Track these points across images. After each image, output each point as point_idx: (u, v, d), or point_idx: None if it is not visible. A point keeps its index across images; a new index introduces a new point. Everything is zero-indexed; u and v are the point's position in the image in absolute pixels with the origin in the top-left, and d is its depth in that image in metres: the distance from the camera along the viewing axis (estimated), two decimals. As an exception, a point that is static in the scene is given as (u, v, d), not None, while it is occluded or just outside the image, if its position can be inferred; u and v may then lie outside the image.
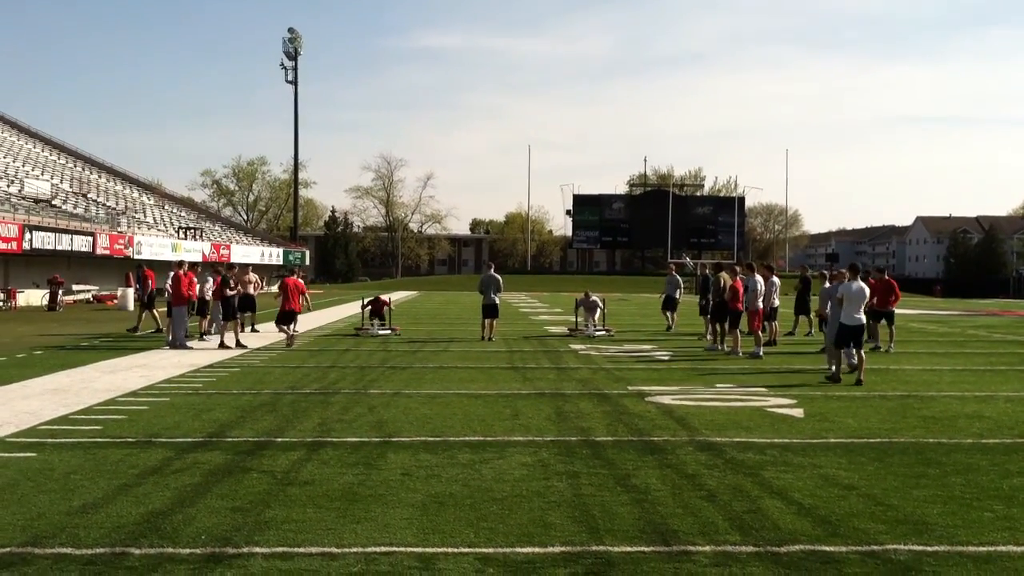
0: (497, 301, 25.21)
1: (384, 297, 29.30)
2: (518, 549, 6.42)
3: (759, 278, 21.38)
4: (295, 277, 24.07)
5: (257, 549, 6.34)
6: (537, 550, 6.40)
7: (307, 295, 24.59)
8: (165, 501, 7.61)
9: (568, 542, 6.58)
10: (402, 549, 6.38)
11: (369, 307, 27.53)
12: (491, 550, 6.39)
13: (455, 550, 6.38)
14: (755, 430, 11.25)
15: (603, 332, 26.80)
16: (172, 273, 22.55)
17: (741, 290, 21.19)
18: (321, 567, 5.99)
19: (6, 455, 9.38)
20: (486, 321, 24.85)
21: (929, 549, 6.48)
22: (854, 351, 16.11)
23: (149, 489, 8.02)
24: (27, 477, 8.44)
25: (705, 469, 9.04)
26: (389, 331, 26.54)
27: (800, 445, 10.32)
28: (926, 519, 7.27)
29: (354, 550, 6.34)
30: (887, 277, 23.79)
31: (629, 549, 6.44)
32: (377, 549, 6.37)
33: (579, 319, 27.86)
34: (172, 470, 8.78)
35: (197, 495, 7.82)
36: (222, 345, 21.52)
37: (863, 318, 16.15)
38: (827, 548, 6.49)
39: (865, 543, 6.61)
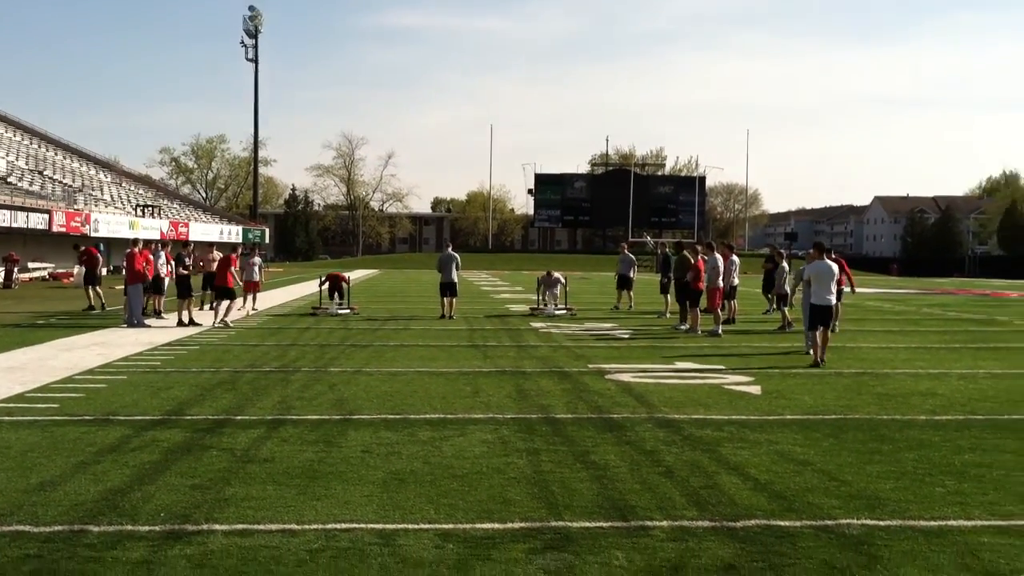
0: (456, 279, 25.15)
1: (342, 274, 28.31)
2: (478, 525, 6.47)
3: (719, 257, 21.51)
4: (235, 254, 23.27)
5: (217, 526, 6.34)
6: (497, 526, 6.45)
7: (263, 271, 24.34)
8: (124, 479, 7.58)
9: (527, 518, 6.64)
10: (362, 526, 6.41)
11: (327, 284, 26.82)
12: (451, 526, 6.43)
13: (415, 526, 6.42)
14: (713, 407, 11.37)
15: (564, 311, 26.57)
16: (127, 251, 22.35)
17: (703, 269, 21.32)
18: (281, 543, 6.01)
19: (-38, 433, 9.29)
20: (445, 300, 24.85)
21: (881, 524, 6.60)
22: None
23: (107, 467, 7.99)
24: (-17, 455, 8.37)
25: (663, 445, 9.13)
26: (348, 310, 25.88)
27: (757, 422, 10.44)
28: (879, 494, 7.39)
29: (314, 527, 6.37)
30: (834, 256, 23.68)
31: (588, 524, 6.51)
32: (337, 526, 6.39)
33: (541, 297, 27.66)
34: (130, 448, 8.74)
35: (156, 473, 7.79)
36: (180, 323, 21.36)
37: (833, 298, 15.90)
38: (782, 523, 6.59)
39: (819, 518, 6.72)
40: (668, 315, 25.03)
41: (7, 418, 10.12)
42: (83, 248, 29.25)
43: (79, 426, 9.76)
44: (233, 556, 5.75)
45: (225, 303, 21.31)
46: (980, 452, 9.00)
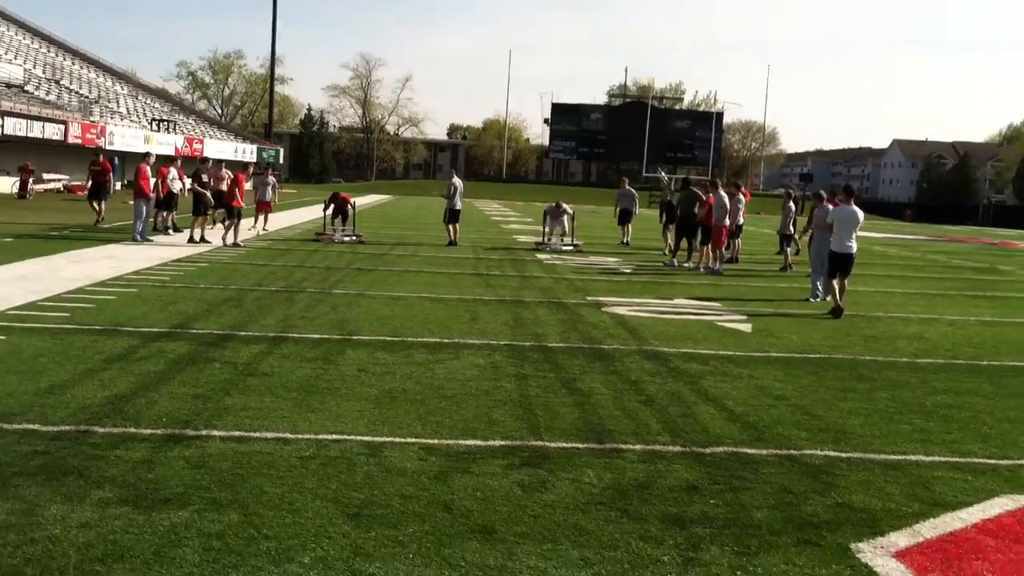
0: (459, 207, 25.69)
1: (348, 196, 27.03)
2: (461, 441, 6.85)
3: (724, 195, 21.69)
4: (243, 173, 23.41)
5: (215, 432, 6.73)
6: (479, 443, 6.83)
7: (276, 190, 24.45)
8: (129, 386, 7.97)
9: (508, 437, 7.01)
10: (352, 437, 6.79)
11: (331, 207, 25.86)
12: (435, 441, 6.81)
13: (401, 440, 6.80)
14: (702, 342, 11.71)
15: (571, 246, 25.81)
16: (138, 166, 22.59)
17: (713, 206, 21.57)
18: (275, 450, 6.40)
19: (-24, 337, 9.69)
20: (451, 226, 25.39)
21: (843, 455, 6.96)
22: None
23: (114, 374, 8.38)
24: (-4, 358, 8.77)
25: (648, 376, 9.49)
26: (353, 237, 24.86)
27: (743, 358, 10.79)
28: (847, 429, 7.75)
29: (307, 436, 6.75)
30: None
31: (565, 445, 6.89)
32: (328, 436, 6.78)
33: (546, 230, 26.71)
34: (136, 357, 9.13)
35: (160, 381, 8.18)
36: (191, 240, 21.69)
37: (854, 245, 15.16)
38: (749, 451, 6.95)
39: (785, 447, 7.09)
40: (667, 252, 25.03)
41: (19, 324, 10.50)
42: (93, 158, 28.64)
43: (88, 335, 10.15)
44: (228, 459, 6.14)
45: (234, 222, 21.55)
46: (953, 394, 9.34)
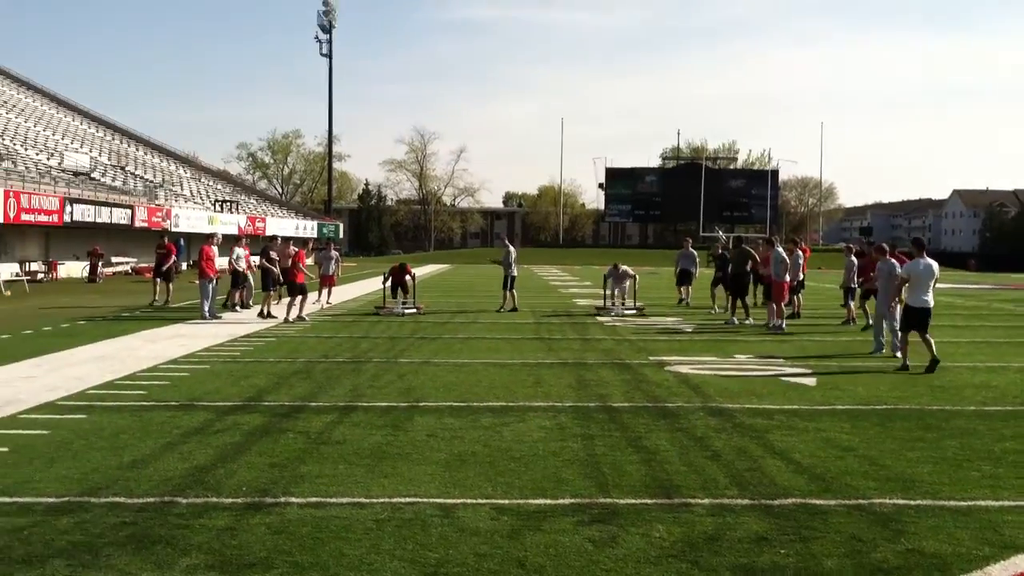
0: (515, 272, 26.13)
1: (407, 266, 26.38)
2: (531, 501, 6.99)
3: (782, 251, 21.71)
4: (303, 250, 23.83)
5: (293, 499, 6.95)
6: (549, 501, 6.97)
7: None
8: (208, 458, 8.23)
9: (578, 495, 7.15)
10: (425, 500, 6.97)
11: (390, 279, 25.35)
12: (506, 501, 6.96)
13: (473, 501, 6.96)
14: (767, 397, 11.76)
15: (634, 310, 25.15)
16: (201, 247, 23.20)
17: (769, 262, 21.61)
18: (351, 514, 6.59)
19: (59, 416, 10.04)
20: (507, 293, 25.87)
21: (912, 503, 6.99)
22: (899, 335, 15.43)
23: (193, 447, 8.66)
24: (79, 436, 9.09)
25: (713, 432, 9.57)
26: (414, 310, 24.30)
27: (808, 411, 10.82)
28: (915, 477, 7.77)
29: (381, 500, 6.94)
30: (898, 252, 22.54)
31: (634, 501, 7.00)
32: (402, 500, 6.96)
33: (608, 293, 26.11)
34: (213, 431, 9.41)
35: (237, 452, 8.44)
36: (261, 315, 22.14)
37: (931, 300, 14.72)
38: (817, 501, 7.02)
39: (853, 497, 7.14)
40: (716, 310, 25.35)
41: (99, 403, 10.86)
42: (160, 241, 29.32)
43: (165, 411, 10.47)
44: (308, 524, 6.34)
45: (298, 298, 21.92)
46: (1022, 440, 9.30)
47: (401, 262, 27.08)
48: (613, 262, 27.92)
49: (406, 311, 23.98)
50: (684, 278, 29.36)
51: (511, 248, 26.31)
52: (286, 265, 22.78)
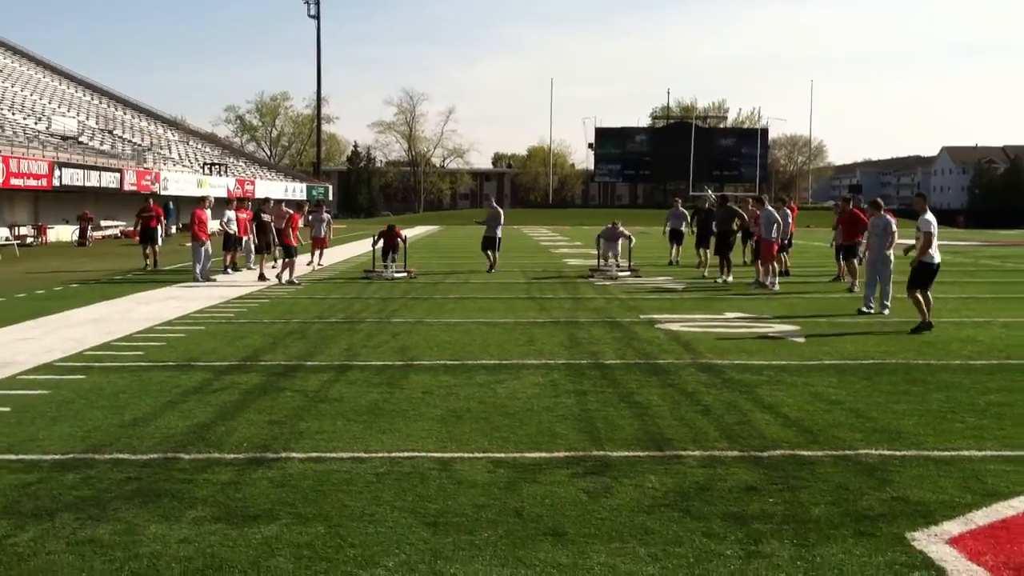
0: (498, 234, 26.13)
1: (398, 229, 25.30)
2: (526, 454, 7.16)
3: (771, 209, 21.79)
4: (298, 213, 24.39)
5: (294, 454, 7.11)
6: (544, 455, 7.14)
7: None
8: (208, 416, 8.38)
9: (572, 448, 7.33)
10: (423, 454, 7.14)
11: (381, 241, 24.46)
12: (502, 455, 7.13)
13: (470, 455, 7.14)
14: (756, 353, 11.94)
15: (628, 271, 24.23)
16: (193, 210, 23.25)
17: (758, 220, 21.69)
18: (351, 468, 6.75)
19: (58, 377, 10.17)
20: (488, 253, 25.99)
21: (897, 453, 7.18)
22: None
23: (192, 406, 8.80)
24: (80, 396, 9.23)
25: (703, 387, 9.75)
26: (404, 274, 23.38)
27: (796, 367, 11.00)
28: (900, 429, 7.96)
29: (380, 455, 7.10)
30: (854, 207, 21.45)
31: (626, 454, 7.18)
32: (401, 454, 7.13)
33: (601, 254, 25.08)
34: (212, 389, 9.56)
35: (237, 410, 8.59)
36: (261, 277, 22.19)
37: (937, 256, 14.59)
38: (805, 452, 7.21)
39: (840, 448, 7.33)
40: (706, 273, 24.11)
41: (97, 364, 10.99)
42: (144, 204, 28.32)
43: (164, 371, 10.61)
44: (309, 478, 6.51)
45: (289, 260, 21.98)
46: (1006, 393, 9.51)
47: (391, 224, 26.11)
48: (611, 220, 26.35)
49: (395, 275, 23.15)
50: (675, 237, 29.44)
51: (499, 209, 26.40)
52: (279, 226, 22.86)
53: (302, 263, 24.04)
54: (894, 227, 16.17)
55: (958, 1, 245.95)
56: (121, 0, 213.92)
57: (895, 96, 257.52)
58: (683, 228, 29.39)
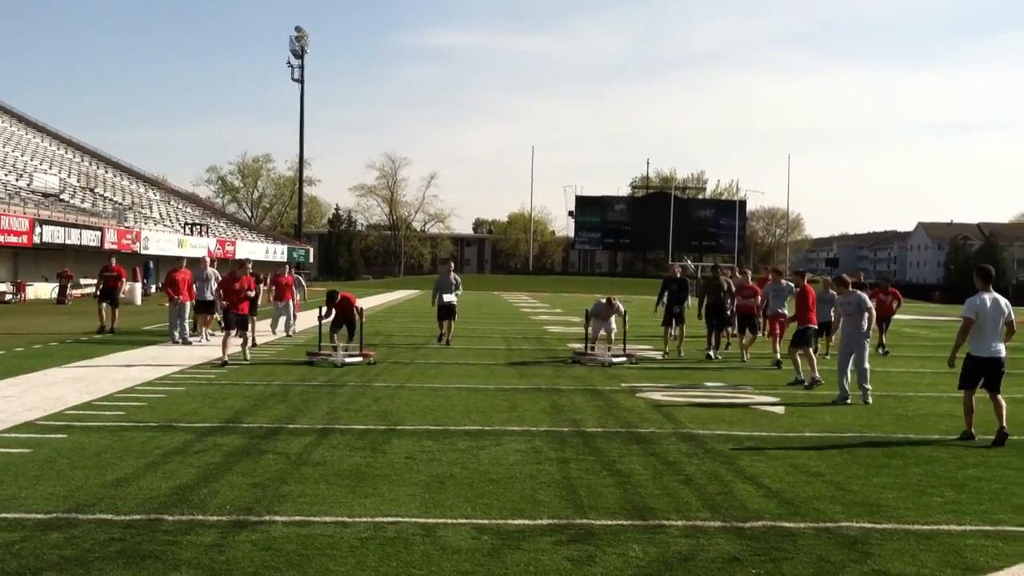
0: (455, 301, 23.72)
1: (352, 297, 19.99)
2: (510, 521, 7.18)
3: (789, 283, 19.69)
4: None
5: (277, 517, 7.11)
6: (527, 522, 7.17)
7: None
8: (190, 477, 8.37)
9: (555, 516, 7.35)
10: (407, 519, 7.15)
11: (331, 314, 19.54)
12: (486, 521, 7.15)
13: (454, 521, 7.15)
14: (736, 424, 12.01)
15: (624, 358, 19.61)
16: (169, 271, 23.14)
17: (759, 293, 20.57)
18: (335, 532, 6.76)
19: (39, 436, 10.14)
20: (443, 322, 23.52)
21: (878, 527, 7.24)
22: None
23: (175, 467, 8.79)
24: (61, 455, 9.20)
25: (685, 457, 9.80)
26: (360, 358, 18.17)
27: (777, 438, 11.08)
28: (880, 502, 8.03)
29: (364, 520, 7.11)
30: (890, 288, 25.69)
31: (609, 522, 7.21)
32: (384, 519, 7.14)
33: (591, 333, 20.88)
34: (194, 451, 9.54)
35: (219, 472, 8.58)
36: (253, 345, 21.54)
37: (1003, 348, 11.32)
38: (787, 524, 7.26)
39: (821, 521, 7.38)
40: (665, 352, 21.66)
41: (79, 423, 10.95)
42: (106, 263, 26.16)
43: (145, 431, 10.59)
44: (293, 542, 6.51)
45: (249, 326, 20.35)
46: (984, 468, 9.60)
47: (341, 292, 20.12)
48: (606, 295, 22.42)
49: (348, 360, 17.85)
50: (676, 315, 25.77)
51: (452, 273, 24.07)
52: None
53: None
54: (868, 303, 14.76)
55: (930, 81, 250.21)
56: (102, 58, 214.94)
57: (871, 171, 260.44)
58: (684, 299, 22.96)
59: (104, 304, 25.07)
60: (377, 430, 10.99)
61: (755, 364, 19.99)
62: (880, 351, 22.81)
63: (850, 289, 15.00)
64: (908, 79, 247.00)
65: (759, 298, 20.63)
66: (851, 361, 14.48)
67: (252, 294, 19.04)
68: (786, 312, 19.25)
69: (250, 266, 20.03)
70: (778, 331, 19.64)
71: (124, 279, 26.73)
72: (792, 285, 19.00)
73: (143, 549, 6.27)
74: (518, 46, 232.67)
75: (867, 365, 14.49)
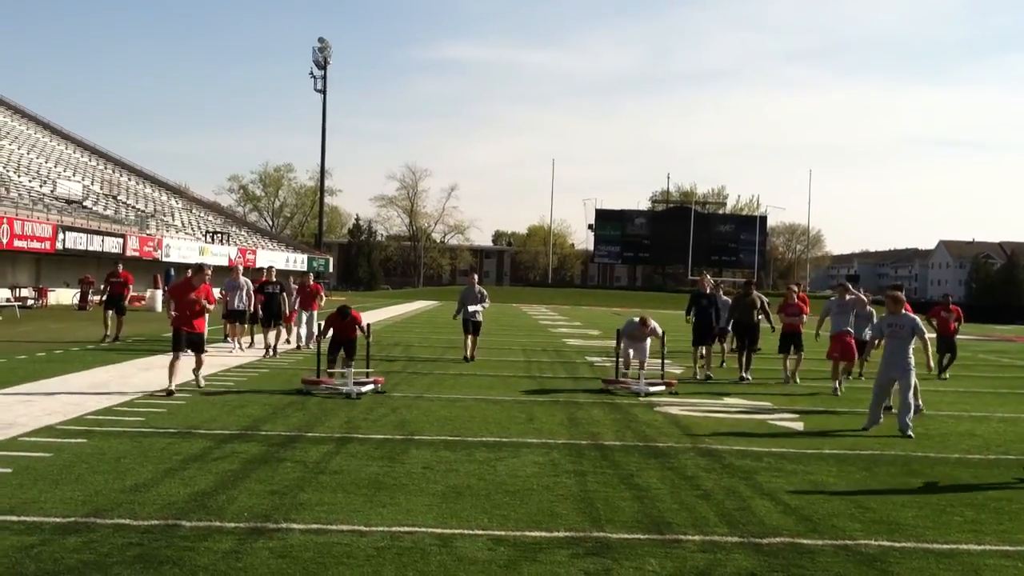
0: (480, 314, 22.52)
1: (357, 314, 16.42)
2: (527, 533, 7.18)
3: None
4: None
5: (294, 525, 7.13)
6: (544, 534, 7.16)
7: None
8: (209, 484, 8.40)
9: (572, 528, 7.34)
10: (423, 530, 7.15)
11: (330, 331, 16.49)
12: (503, 533, 7.15)
13: (470, 532, 7.15)
14: (755, 440, 11.97)
15: (662, 386, 16.81)
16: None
17: (805, 310, 19.66)
18: (352, 541, 6.77)
19: (59, 440, 10.18)
20: (468, 336, 22.27)
21: (897, 545, 7.20)
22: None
23: (193, 473, 8.82)
24: (81, 459, 9.25)
25: (703, 472, 9.77)
26: (372, 385, 15.33)
27: (795, 454, 11.02)
28: (900, 520, 7.98)
29: (380, 529, 7.12)
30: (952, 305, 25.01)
31: (626, 536, 7.19)
32: (401, 529, 7.14)
33: (622, 359, 18.10)
34: (213, 458, 9.57)
35: (237, 479, 8.61)
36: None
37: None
38: (805, 541, 7.22)
39: (840, 538, 7.34)
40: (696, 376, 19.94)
41: (98, 428, 11.01)
42: (112, 269, 26.09)
43: (164, 437, 10.63)
44: (310, 550, 6.52)
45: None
46: (1004, 488, 9.53)
47: (343, 307, 16.46)
48: (640, 315, 19.07)
49: (361, 389, 14.94)
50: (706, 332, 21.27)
51: (476, 285, 22.96)
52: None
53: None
54: (921, 326, 13.23)
55: (952, 100, 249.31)
56: (128, 67, 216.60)
57: (893, 188, 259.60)
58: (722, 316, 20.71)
59: (110, 312, 24.45)
60: (395, 440, 11.01)
61: (771, 378, 19.74)
62: (940, 376, 21.93)
63: (902, 311, 13.30)
64: (930, 97, 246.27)
65: (804, 316, 19.57)
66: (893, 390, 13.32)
67: (210, 307, 15.43)
68: (851, 330, 18.10)
69: (210, 272, 15.67)
70: (838, 353, 17.85)
71: (131, 285, 25.88)
72: (868, 305, 19.07)
73: (161, 554, 6.30)
74: (536, 60, 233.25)
75: (911, 400, 12.99)
